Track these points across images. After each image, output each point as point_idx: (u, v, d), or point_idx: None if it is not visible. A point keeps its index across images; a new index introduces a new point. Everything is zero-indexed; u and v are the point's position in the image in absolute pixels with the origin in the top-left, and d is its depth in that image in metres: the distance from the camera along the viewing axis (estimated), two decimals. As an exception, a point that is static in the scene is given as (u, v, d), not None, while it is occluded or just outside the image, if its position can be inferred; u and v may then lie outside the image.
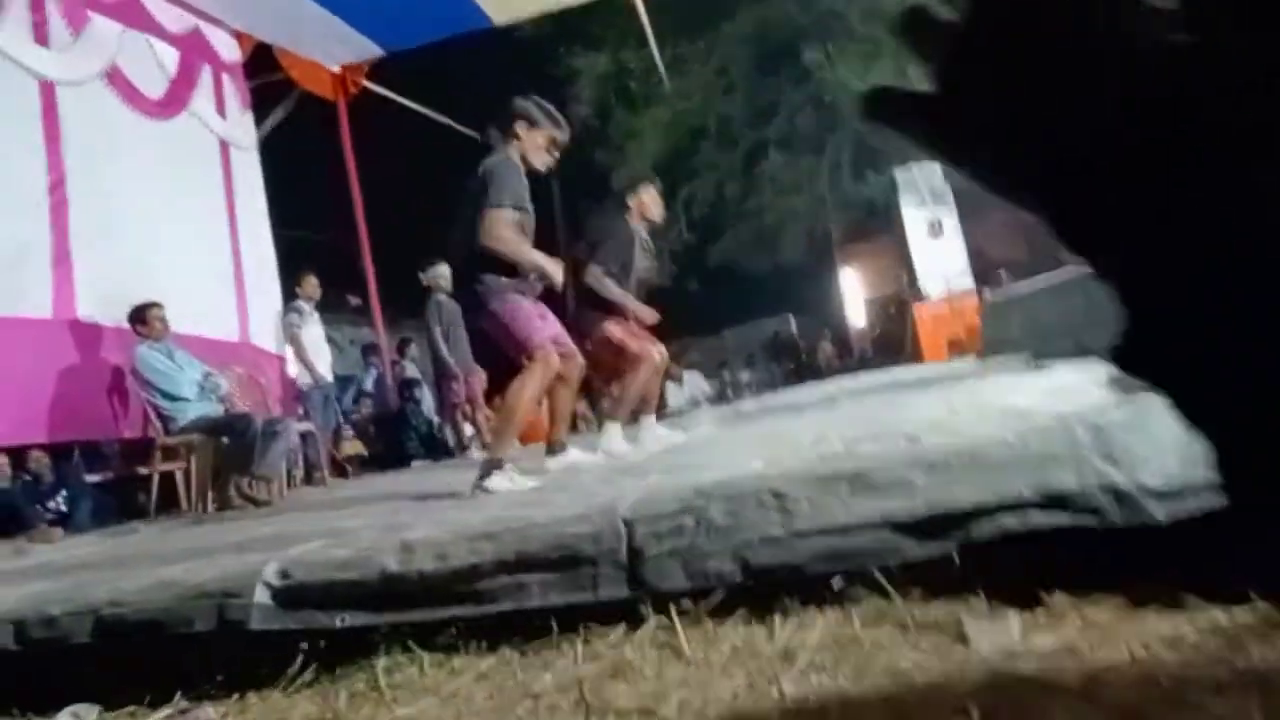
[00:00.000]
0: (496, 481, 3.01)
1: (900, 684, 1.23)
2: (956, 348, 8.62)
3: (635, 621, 1.60)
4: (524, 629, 1.66)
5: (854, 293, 18.79)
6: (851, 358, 15.83)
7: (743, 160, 14.36)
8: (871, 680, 1.26)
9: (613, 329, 4.24)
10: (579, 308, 4.38)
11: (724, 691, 1.31)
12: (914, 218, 9.30)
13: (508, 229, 3.27)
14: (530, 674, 1.54)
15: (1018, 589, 1.43)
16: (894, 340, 12.90)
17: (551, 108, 3.63)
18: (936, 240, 9.19)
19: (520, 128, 3.49)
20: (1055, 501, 1.45)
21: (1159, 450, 1.45)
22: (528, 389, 3.23)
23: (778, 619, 1.51)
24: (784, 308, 18.16)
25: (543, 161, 3.57)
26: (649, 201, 4.53)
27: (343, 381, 8.93)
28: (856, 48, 12.39)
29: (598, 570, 1.64)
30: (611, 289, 4.23)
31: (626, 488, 2.07)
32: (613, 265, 4.28)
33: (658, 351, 4.25)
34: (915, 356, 9.19)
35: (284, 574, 1.83)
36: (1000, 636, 1.32)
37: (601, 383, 4.21)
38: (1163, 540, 1.38)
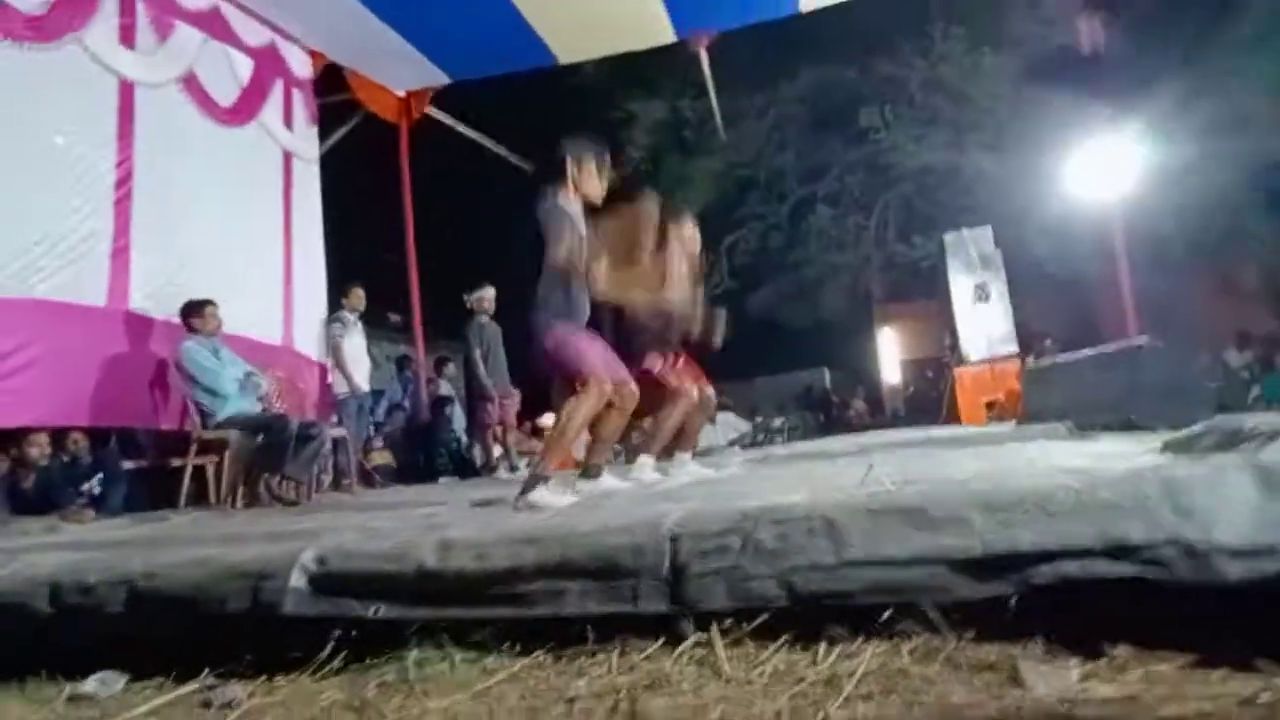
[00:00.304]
0: (540, 495, 3.05)
1: (954, 718, 1.19)
2: (994, 411, 8.50)
3: (673, 638, 1.57)
4: (559, 636, 1.63)
5: (890, 352, 18.67)
6: (884, 415, 15.67)
7: (789, 213, 14.42)
8: (922, 712, 1.22)
9: (654, 361, 4.24)
10: (621, 336, 4.37)
11: (766, 712, 1.28)
12: (961, 281, 9.25)
13: (570, 248, 3.39)
14: (564, 679, 1.51)
15: (1077, 638, 1.38)
16: (930, 401, 12.75)
17: (590, 140, 3.71)
18: (982, 304, 9.12)
19: (570, 168, 3.56)
20: (1121, 551, 1.41)
21: (1233, 509, 1.40)
22: (582, 410, 3.30)
23: (822, 646, 1.47)
24: (819, 361, 18.07)
25: (597, 190, 3.65)
26: (688, 235, 4.53)
27: (376, 395, 9.00)
28: (914, 114, 12.46)
29: (638, 583, 1.62)
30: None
31: (668, 508, 2.04)
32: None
33: (699, 390, 4.25)
34: (952, 418, 9.07)
35: (321, 561, 1.82)
36: (1059, 682, 1.27)
37: (634, 416, 4.16)
38: (1234, 601, 1.33)
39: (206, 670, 1.75)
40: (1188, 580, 1.35)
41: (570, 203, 3.54)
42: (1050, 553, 1.43)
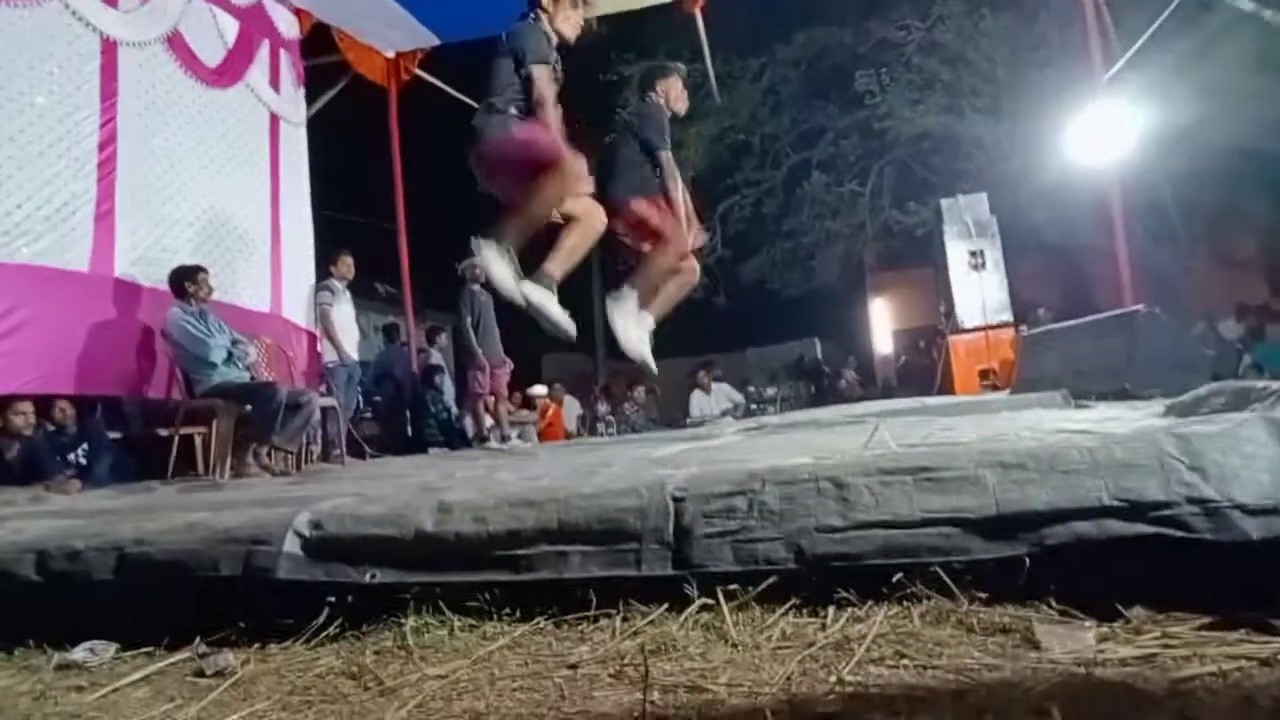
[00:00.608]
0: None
1: (969, 680, 1.15)
2: (989, 380, 8.49)
3: (678, 602, 1.53)
4: (560, 601, 1.59)
5: (882, 322, 18.65)
6: (875, 386, 15.68)
7: (784, 179, 14.31)
8: (936, 675, 1.18)
9: (641, 203, 4.16)
10: (609, 185, 4.23)
11: (775, 675, 1.24)
12: (956, 248, 9.19)
13: (547, 84, 3.61)
14: (566, 645, 1.47)
15: (1093, 599, 1.35)
16: (922, 372, 12.76)
17: None
18: (977, 272, 9.07)
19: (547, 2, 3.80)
20: (1137, 511, 1.37)
21: (1252, 466, 1.37)
22: (552, 187, 3.52)
23: (831, 610, 1.44)
24: (811, 332, 18.04)
25: (572, 30, 3.89)
26: (675, 92, 4.46)
27: (364, 365, 8.92)
28: (910, 78, 12.32)
29: (642, 546, 1.58)
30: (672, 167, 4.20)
31: (671, 471, 2.00)
32: (658, 140, 4.22)
33: (693, 235, 4.23)
34: (945, 388, 9.07)
35: (316, 525, 1.78)
36: (1075, 644, 1.24)
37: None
38: (1255, 560, 1.30)
39: (198, 638, 1.71)
40: (1206, 539, 1.32)
41: (543, 29, 3.78)
42: (1064, 512, 1.39)
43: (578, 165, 3.61)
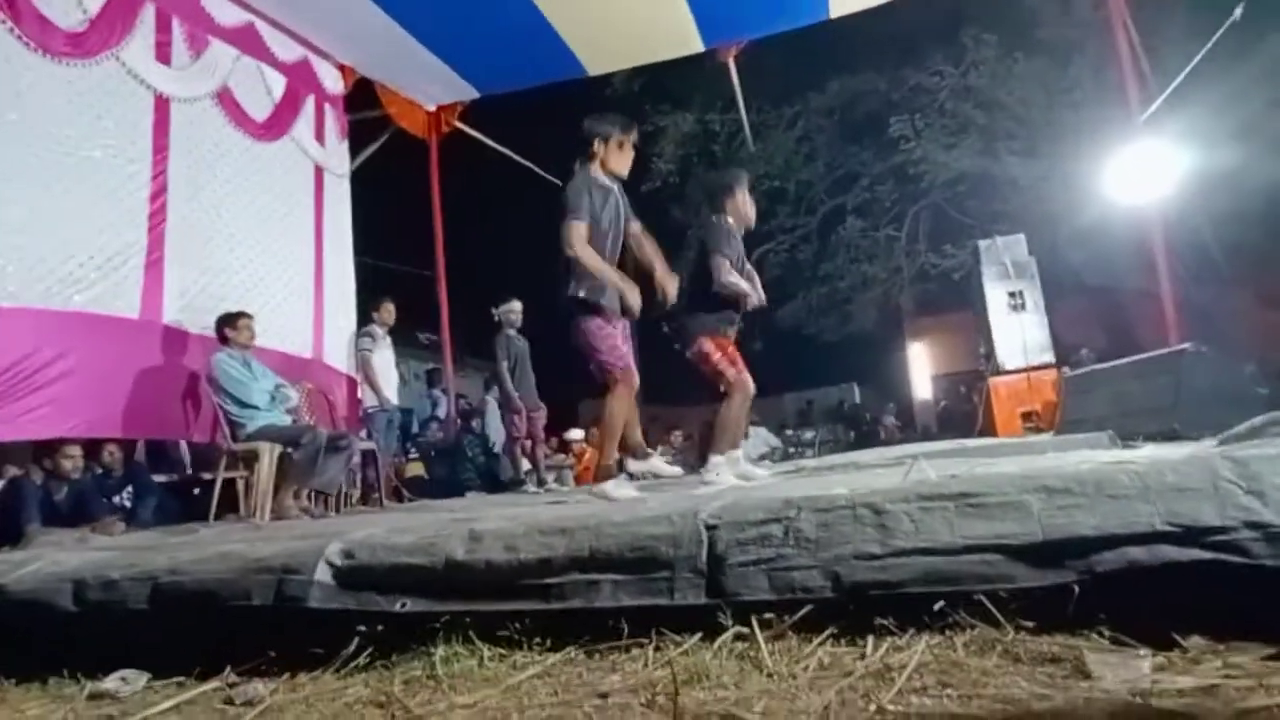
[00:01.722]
0: (610, 487, 3.42)
1: (1016, 710, 1.10)
2: (1031, 422, 8.30)
3: (712, 631, 1.49)
4: (591, 629, 1.56)
5: (921, 367, 18.45)
6: (915, 431, 15.44)
7: (819, 225, 14.32)
8: (982, 705, 1.13)
9: (711, 347, 4.25)
10: (681, 319, 4.41)
11: (813, 705, 1.20)
12: (995, 290, 9.08)
13: (583, 244, 3.57)
14: (597, 675, 1.44)
15: (1147, 628, 1.28)
16: (962, 417, 12.53)
17: (615, 114, 3.91)
18: (1017, 314, 8.93)
19: (597, 146, 3.76)
20: (1192, 536, 1.31)
21: (1313, 489, 1.30)
22: (616, 405, 3.67)
23: (870, 639, 1.39)
24: (849, 377, 17.89)
25: (624, 165, 3.85)
26: (743, 205, 4.48)
27: (405, 413, 9.00)
28: (945, 122, 12.33)
29: (675, 574, 1.55)
30: (736, 280, 4.24)
31: (705, 499, 1.96)
32: (730, 255, 4.29)
33: (751, 382, 4.26)
34: (987, 430, 8.88)
35: (348, 554, 1.77)
36: (1129, 673, 1.18)
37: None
38: (1318, 586, 1.23)
39: (229, 668, 1.70)
40: (1267, 564, 1.25)
41: (591, 178, 3.72)
42: (1115, 538, 1.34)
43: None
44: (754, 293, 4.33)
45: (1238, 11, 5.92)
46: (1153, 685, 1.14)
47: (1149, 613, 1.30)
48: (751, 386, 4.26)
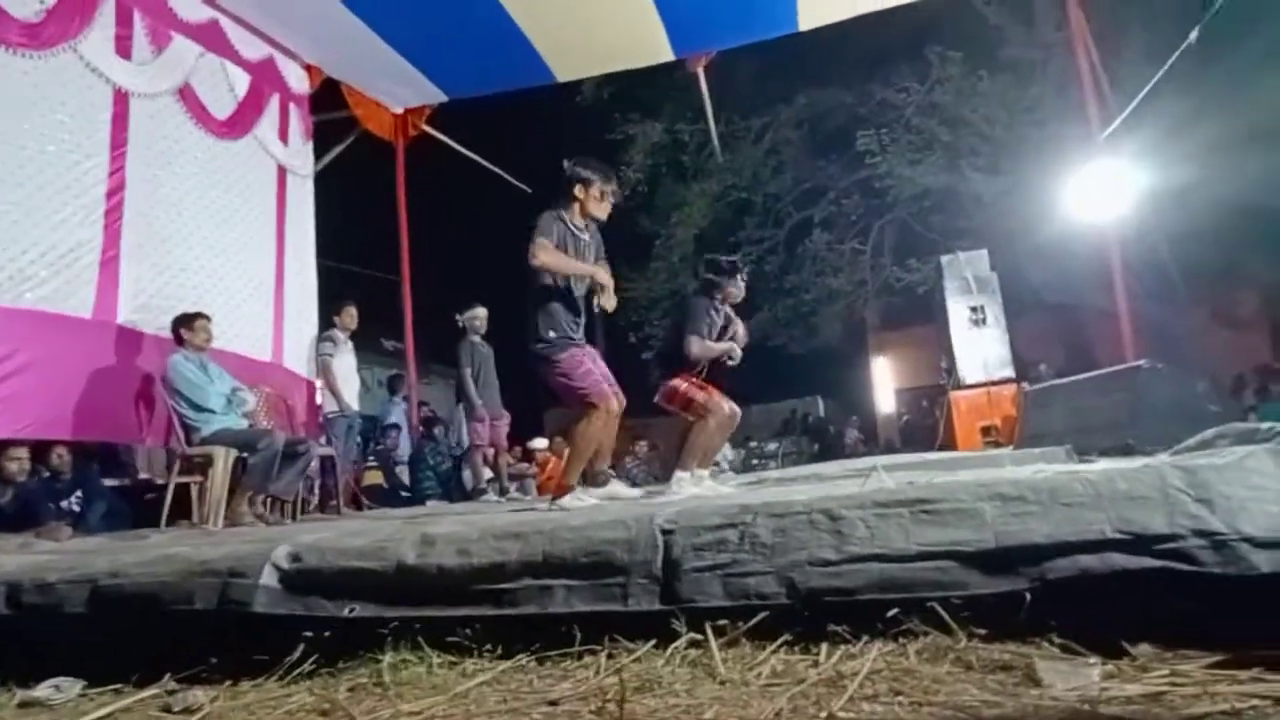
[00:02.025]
0: (568, 500, 3.45)
1: (967, 718, 1.09)
2: (991, 436, 8.40)
3: (666, 638, 1.47)
4: (544, 636, 1.53)
5: (885, 381, 18.62)
6: (878, 444, 15.57)
7: (786, 237, 14.42)
8: (933, 712, 1.12)
9: (678, 381, 4.39)
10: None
11: (764, 712, 1.18)
12: (957, 305, 9.19)
13: (548, 251, 3.61)
14: (547, 682, 1.41)
15: (1097, 636, 1.29)
16: (925, 430, 12.66)
17: (599, 163, 3.92)
18: (979, 329, 9.05)
19: (578, 191, 3.80)
20: (1142, 543, 1.32)
21: (1261, 498, 1.32)
22: (591, 429, 3.67)
23: (824, 646, 1.38)
24: (813, 390, 17.99)
25: (603, 212, 3.89)
26: (734, 292, 4.71)
27: (367, 420, 8.88)
28: (910, 138, 12.50)
29: (629, 580, 1.53)
30: (711, 347, 4.47)
31: (661, 505, 1.95)
32: (703, 330, 4.51)
33: (728, 405, 4.39)
34: (948, 444, 8.97)
35: (295, 558, 1.73)
36: (1078, 681, 1.18)
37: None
38: (1265, 594, 1.24)
39: (168, 675, 1.65)
40: (1214, 572, 1.26)
41: (561, 215, 3.76)
42: (1066, 545, 1.35)
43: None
44: (732, 348, 4.54)
45: (1193, 35, 6.07)
46: (1101, 693, 1.14)
47: (1099, 620, 1.30)
48: (727, 409, 4.39)
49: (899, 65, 12.58)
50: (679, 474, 4.19)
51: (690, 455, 4.31)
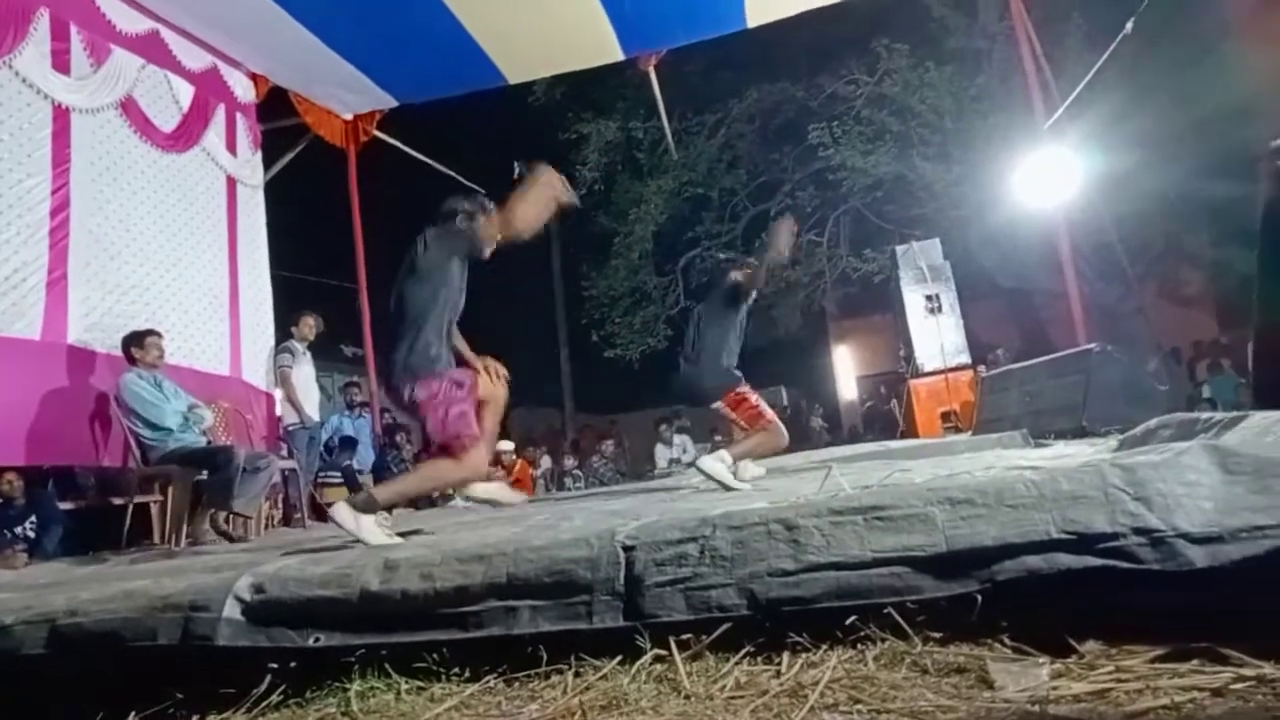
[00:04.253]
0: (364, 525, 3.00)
1: (923, 724, 1.13)
2: (950, 422, 8.56)
3: (631, 653, 1.49)
4: (511, 658, 1.55)
5: (846, 368, 18.85)
6: (841, 431, 15.75)
7: (743, 231, 14.51)
8: (890, 719, 1.16)
9: (749, 391, 4.61)
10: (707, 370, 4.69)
11: (728, 727, 1.21)
12: (912, 294, 9.35)
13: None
14: (516, 704, 1.43)
15: (1046, 635, 1.33)
16: (886, 416, 12.86)
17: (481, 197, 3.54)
18: (934, 316, 9.21)
19: (464, 223, 3.38)
20: (1085, 543, 1.37)
21: (1196, 494, 1.38)
22: (453, 473, 3.19)
23: (785, 656, 1.41)
24: (776, 380, 18.14)
25: (493, 241, 3.45)
26: (760, 278, 4.89)
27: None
28: (861, 129, 12.63)
29: (593, 598, 1.55)
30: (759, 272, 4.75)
31: (622, 520, 1.97)
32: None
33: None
34: (909, 431, 9.12)
35: (258, 589, 1.72)
36: (1029, 681, 1.22)
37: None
38: (1202, 588, 1.30)
39: (133, 713, 1.63)
40: (1153, 569, 1.32)
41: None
42: (1014, 547, 1.39)
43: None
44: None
45: (1129, 25, 6.22)
46: (1050, 693, 1.19)
47: (1048, 619, 1.35)
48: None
49: (847, 58, 12.71)
50: (740, 464, 4.33)
51: (748, 452, 4.46)
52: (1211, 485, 1.38)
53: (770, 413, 4.57)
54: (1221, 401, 8.71)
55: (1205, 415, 2.15)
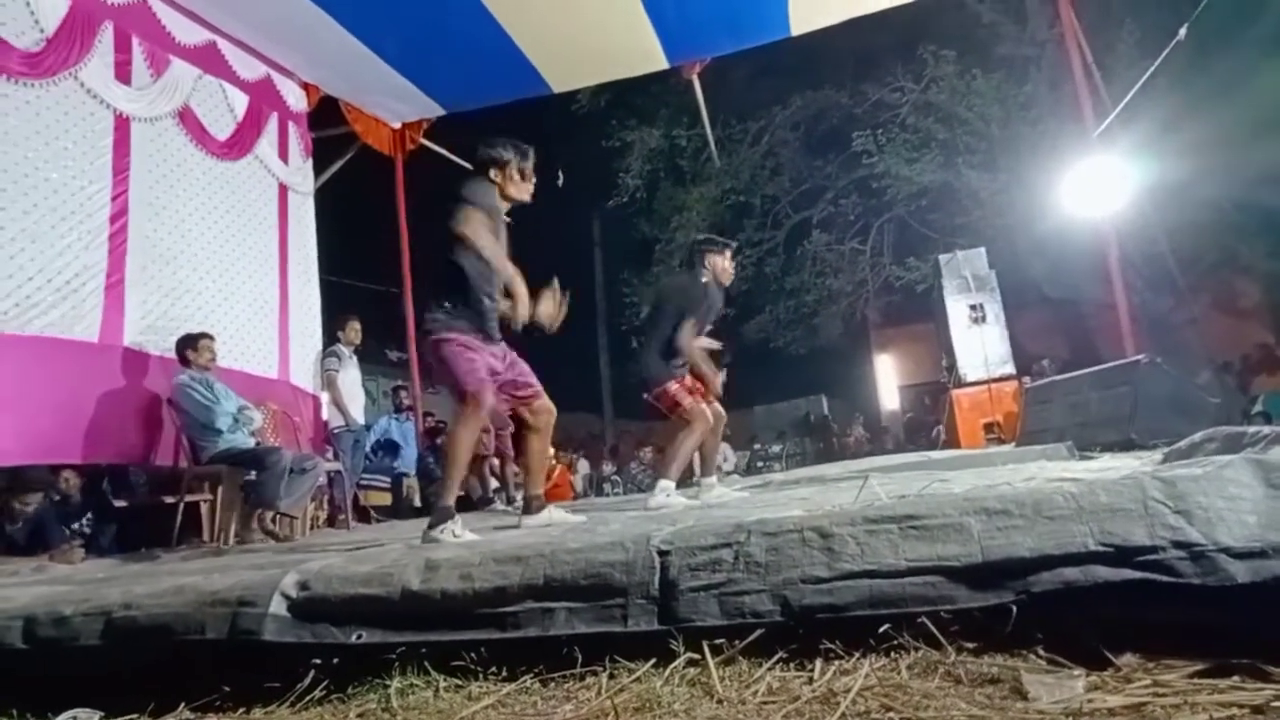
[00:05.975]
0: (446, 531, 3.02)
1: (954, 733, 1.13)
2: (993, 433, 8.43)
3: (665, 657, 1.51)
4: (546, 658, 1.57)
5: (888, 378, 18.66)
6: (883, 441, 15.59)
7: (785, 239, 14.46)
8: (922, 728, 1.16)
9: (671, 385, 4.29)
10: (650, 361, 4.41)
11: (760, 731, 1.22)
12: (956, 303, 9.23)
13: (474, 223, 3.31)
14: (551, 704, 1.46)
15: (1082, 647, 1.33)
16: (927, 426, 12.69)
17: (513, 141, 3.66)
18: (978, 326, 9.09)
19: (493, 174, 3.54)
20: (1123, 556, 1.36)
21: (1238, 508, 1.36)
22: (462, 430, 3.29)
23: (818, 663, 1.42)
24: (817, 389, 18.02)
25: (524, 192, 3.63)
26: (722, 266, 4.62)
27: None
28: (906, 137, 12.53)
29: (628, 601, 1.57)
30: (694, 348, 4.33)
31: (658, 525, 1.99)
32: (699, 322, 4.40)
33: (713, 412, 4.30)
34: (951, 442, 9.00)
35: (303, 586, 1.77)
36: (1064, 693, 1.22)
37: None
38: (1243, 603, 1.28)
39: (183, 704, 1.69)
40: (1193, 583, 1.30)
41: (490, 187, 3.51)
42: (1050, 558, 1.38)
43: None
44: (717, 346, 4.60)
45: (1182, 32, 6.10)
46: (1085, 705, 1.18)
47: (1084, 632, 1.34)
48: (710, 415, 4.30)
49: (893, 65, 12.62)
50: (662, 482, 4.11)
51: (673, 462, 4.22)
52: (1255, 499, 1.36)
53: (687, 399, 4.27)
54: (1275, 415, 8.46)
55: (1253, 429, 2.11)
